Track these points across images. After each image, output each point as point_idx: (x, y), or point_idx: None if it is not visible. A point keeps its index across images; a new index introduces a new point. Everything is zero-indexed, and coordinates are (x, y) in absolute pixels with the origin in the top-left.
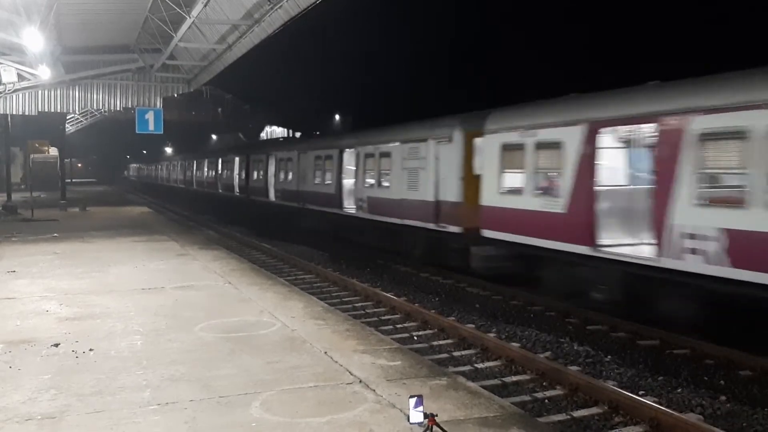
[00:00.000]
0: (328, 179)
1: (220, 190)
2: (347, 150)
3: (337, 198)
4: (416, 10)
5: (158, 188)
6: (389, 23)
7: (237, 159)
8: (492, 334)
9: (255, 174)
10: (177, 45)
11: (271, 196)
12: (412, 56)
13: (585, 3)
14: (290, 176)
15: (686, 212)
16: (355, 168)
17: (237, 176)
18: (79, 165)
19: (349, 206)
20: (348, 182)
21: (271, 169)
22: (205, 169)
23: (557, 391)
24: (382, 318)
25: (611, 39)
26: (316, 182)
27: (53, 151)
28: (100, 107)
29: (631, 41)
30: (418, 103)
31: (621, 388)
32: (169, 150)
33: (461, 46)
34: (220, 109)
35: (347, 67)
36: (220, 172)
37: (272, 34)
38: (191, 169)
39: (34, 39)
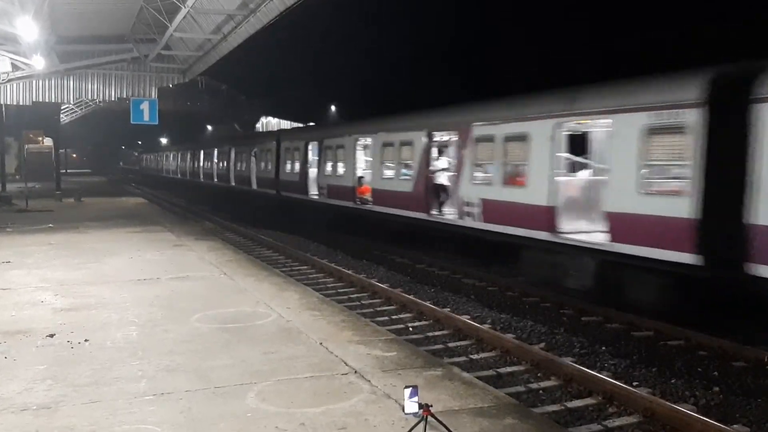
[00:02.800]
0: None
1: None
2: None
3: None
4: (416, 6)
5: (205, 191)
6: (388, 17)
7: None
8: (487, 325)
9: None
10: (172, 35)
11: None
12: (411, 50)
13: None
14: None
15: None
16: None
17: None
18: (74, 155)
19: None
20: None
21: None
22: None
23: (552, 382)
24: (378, 309)
25: (611, 35)
26: None
27: (48, 142)
28: (95, 97)
29: (630, 38)
30: (416, 97)
31: (615, 379)
32: (165, 140)
33: (461, 42)
34: (208, 98)
35: (345, 60)
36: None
37: (268, 24)
38: (293, 158)
39: (28, 28)
